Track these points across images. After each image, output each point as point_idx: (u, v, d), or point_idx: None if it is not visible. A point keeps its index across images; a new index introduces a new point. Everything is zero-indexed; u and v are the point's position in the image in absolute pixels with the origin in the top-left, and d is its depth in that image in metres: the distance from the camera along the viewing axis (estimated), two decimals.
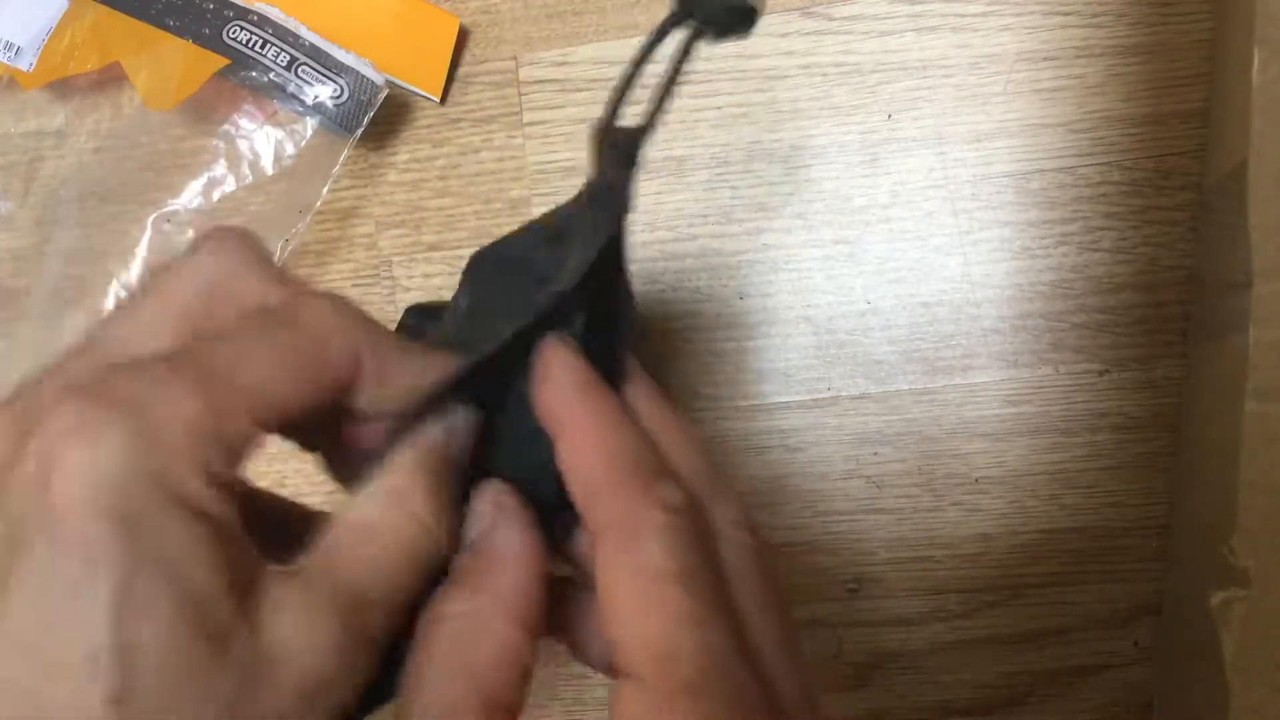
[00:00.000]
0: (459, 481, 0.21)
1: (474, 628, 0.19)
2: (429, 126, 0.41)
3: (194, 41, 0.38)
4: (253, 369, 0.18)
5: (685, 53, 0.22)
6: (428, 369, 0.21)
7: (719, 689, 0.18)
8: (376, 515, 0.19)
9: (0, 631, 0.16)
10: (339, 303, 0.20)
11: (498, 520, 0.21)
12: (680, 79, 0.22)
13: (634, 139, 0.22)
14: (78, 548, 0.15)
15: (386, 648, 0.19)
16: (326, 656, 0.17)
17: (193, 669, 0.16)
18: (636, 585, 0.18)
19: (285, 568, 0.18)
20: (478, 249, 0.25)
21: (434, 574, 0.20)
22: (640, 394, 0.22)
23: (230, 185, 0.41)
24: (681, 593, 0.18)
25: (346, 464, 0.21)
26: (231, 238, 0.20)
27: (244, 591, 0.17)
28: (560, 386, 0.20)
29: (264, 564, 0.18)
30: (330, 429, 0.21)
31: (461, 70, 0.41)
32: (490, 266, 0.24)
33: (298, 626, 0.17)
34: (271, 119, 0.41)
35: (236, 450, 0.17)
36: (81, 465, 0.16)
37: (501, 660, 0.19)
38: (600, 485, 0.20)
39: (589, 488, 0.20)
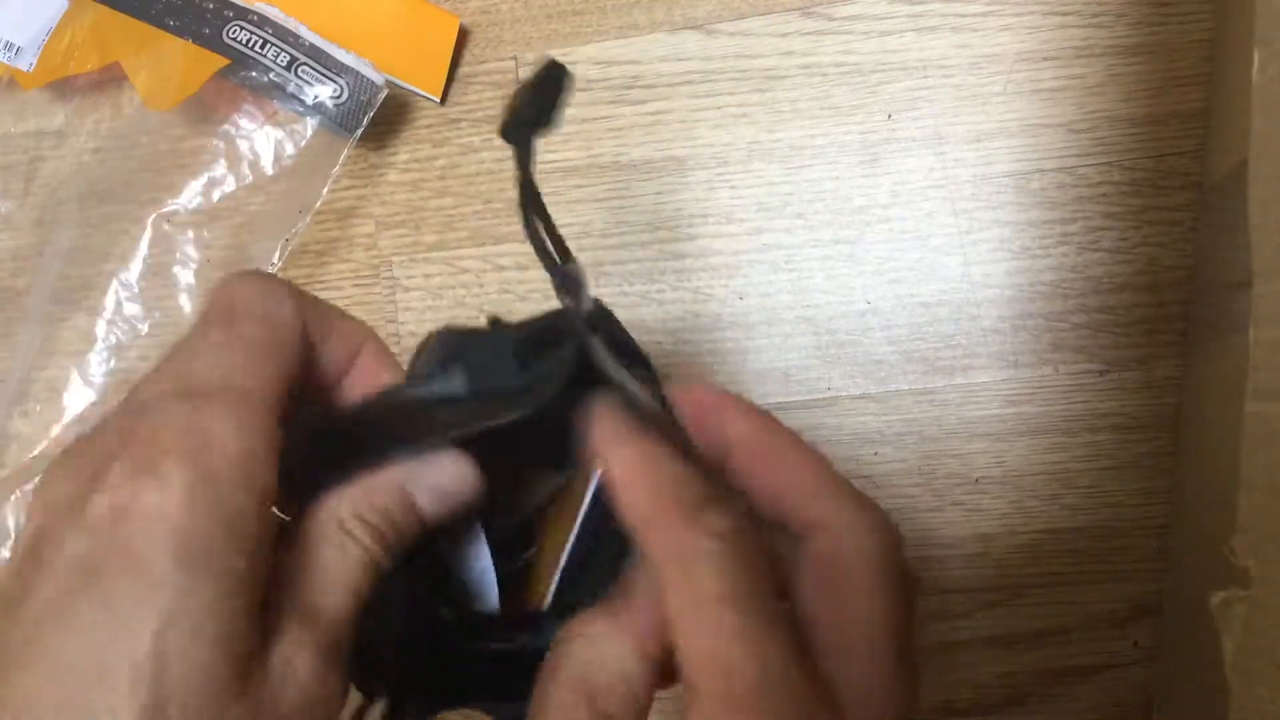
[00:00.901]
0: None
1: (603, 650, 0.21)
2: (429, 126, 0.41)
3: (194, 41, 0.38)
4: (244, 372, 0.20)
5: (528, 155, 0.22)
6: (362, 332, 0.23)
7: (773, 695, 0.19)
8: (326, 557, 0.21)
9: (59, 647, 0.17)
10: (264, 279, 0.22)
11: (648, 571, 0.22)
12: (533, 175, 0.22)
13: (570, 277, 0.22)
14: (143, 576, 0.17)
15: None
16: (311, 680, 0.19)
17: (218, 692, 0.17)
18: (693, 610, 0.19)
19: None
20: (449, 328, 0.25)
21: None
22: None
23: (230, 185, 0.41)
24: (732, 612, 0.19)
25: None
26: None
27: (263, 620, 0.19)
28: (604, 434, 0.21)
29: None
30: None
31: (461, 70, 0.41)
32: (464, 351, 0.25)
33: (290, 654, 0.19)
34: (271, 119, 0.41)
35: (271, 454, 0.19)
36: (150, 506, 0.18)
37: (617, 684, 0.20)
38: (651, 521, 0.21)
39: (642, 525, 0.21)
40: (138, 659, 0.17)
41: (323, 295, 0.41)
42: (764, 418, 0.23)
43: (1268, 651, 0.27)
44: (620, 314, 0.39)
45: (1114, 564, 0.37)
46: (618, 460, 0.21)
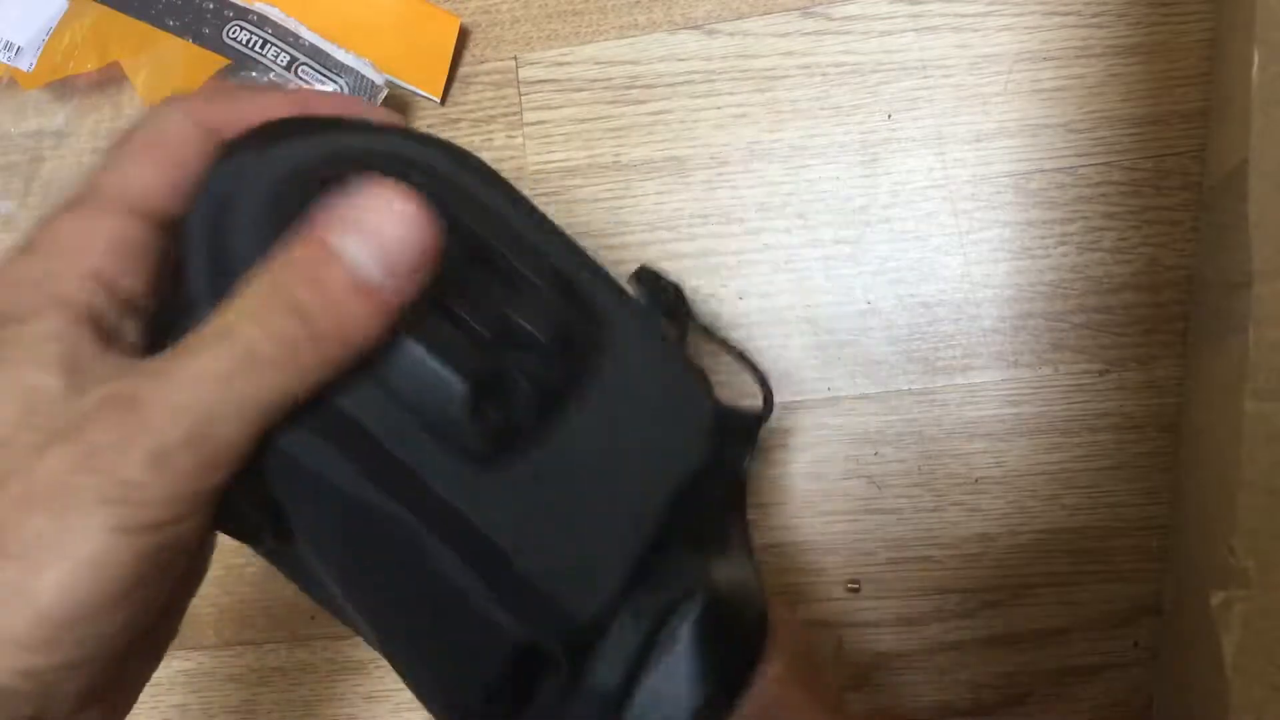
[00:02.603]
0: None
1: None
2: (429, 126, 0.41)
3: (194, 41, 0.39)
4: (116, 173, 0.22)
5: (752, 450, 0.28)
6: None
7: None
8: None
9: None
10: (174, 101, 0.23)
11: None
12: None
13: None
14: None
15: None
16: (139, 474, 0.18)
17: (23, 421, 0.18)
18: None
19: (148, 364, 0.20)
20: None
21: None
22: None
23: None
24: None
25: None
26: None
27: (89, 385, 0.19)
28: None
29: (129, 364, 0.20)
30: None
31: (461, 70, 0.41)
32: None
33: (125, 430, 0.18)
34: None
35: (124, 244, 0.21)
36: None
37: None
38: None
39: None
40: None
41: None
42: None
43: (1268, 651, 0.27)
44: None
45: (1114, 564, 0.37)
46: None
